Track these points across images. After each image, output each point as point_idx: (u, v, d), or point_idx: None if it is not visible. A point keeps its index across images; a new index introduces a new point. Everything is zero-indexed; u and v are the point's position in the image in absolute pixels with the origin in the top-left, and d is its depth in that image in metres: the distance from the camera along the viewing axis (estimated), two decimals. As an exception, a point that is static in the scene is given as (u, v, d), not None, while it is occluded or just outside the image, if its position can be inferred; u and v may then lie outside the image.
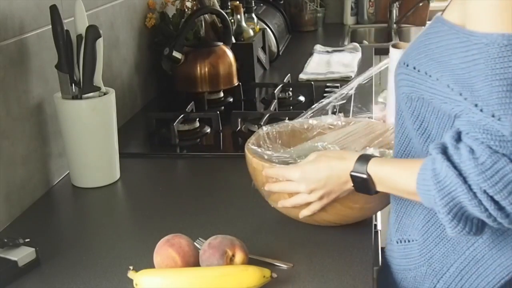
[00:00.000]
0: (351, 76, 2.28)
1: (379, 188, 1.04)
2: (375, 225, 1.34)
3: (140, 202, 1.41)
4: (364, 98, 1.93)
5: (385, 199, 1.14)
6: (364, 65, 2.42)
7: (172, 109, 1.86)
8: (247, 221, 1.26)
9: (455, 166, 0.88)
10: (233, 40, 2.24)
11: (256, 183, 1.22)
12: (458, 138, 0.90)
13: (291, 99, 2.07)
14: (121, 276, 1.06)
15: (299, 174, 1.11)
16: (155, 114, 1.89)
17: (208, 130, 1.80)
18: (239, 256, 1.03)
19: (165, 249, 1.04)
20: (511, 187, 0.84)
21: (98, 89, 1.42)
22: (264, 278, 1.00)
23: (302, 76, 2.34)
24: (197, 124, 1.81)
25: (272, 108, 1.87)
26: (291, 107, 2.01)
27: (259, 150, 1.25)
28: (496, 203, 0.86)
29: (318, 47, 2.75)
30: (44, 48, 1.42)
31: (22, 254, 1.10)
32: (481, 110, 0.87)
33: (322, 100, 1.40)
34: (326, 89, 2.10)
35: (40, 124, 1.42)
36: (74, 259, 1.14)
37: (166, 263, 1.03)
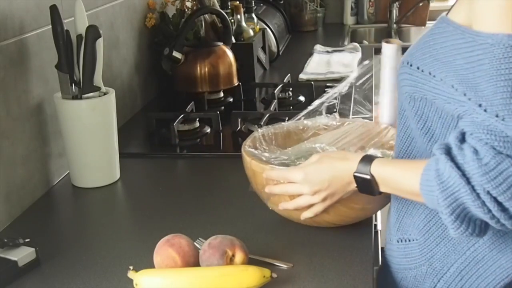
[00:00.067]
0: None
1: (382, 188, 1.04)
2: (375, 225, 1.34)
3: (140, 202, 1.41)
4: (364, 98, 1.93)
5: (385, 199, 1.14)
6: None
7: (172, 109, 1.86)
8: (247, 221, 1.26)
9: (458, 167, 0.87)
10: (233, 40, 2.24)
11: (254, 186, 1.21)
12: (462, 138, 0.90)
13: (291, 99, 2.07)
14: (121, 276, 1.06)
15: (302, 176, 1.11)
16: (155, 114, 1.89)
17: (208, 130, 1.80)
18: (239, 256, 1.03)
19: (165, 249, 1.04)
20: None
21: (98, 89, 1.42)
22: (264, 278, 1.00)
23: (302, 76, 2.34)
24: (197, 124, 1.81)
25: (272, 108, 1.87)
26: (291, 107, 2.01)
27: (256, 152, 1.24)
28: (499, 204, 0.86)
29: (318, 47, 2.75)
30: (44, 48, 1.42)
31: (22, 254, 1.10)
32: (485, 111, 0.87)
33: (313, 103, 1.39)
34: (326, 89, 2.10)
35: (40, 124, 1.42)
36: (74, 259, 1.14)
37: (166, 263, 1.03)
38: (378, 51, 2.75)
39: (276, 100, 1.93)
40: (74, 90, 1.40)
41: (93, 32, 1.37)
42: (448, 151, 0.89)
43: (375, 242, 1.24)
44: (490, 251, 1.02)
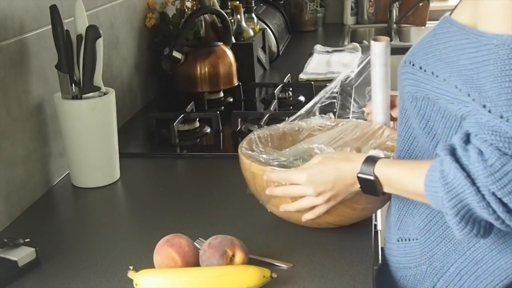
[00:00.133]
0: (352, 76, 2.28)
1: (386, 189, 1.03)
2: (375, 225, 1.34)
3: (140, 202, 1.41)
4: (364, 98, 1.93)
5: (385, 198, 1.14)
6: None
7: (172, 109, 1.86)
8: (247, 221, 1.25)
9: (463, 168, 0.87)
10: (233, 40, 2.24)
11: (253, 188, 1.21)
12: (466, 139, 0.89)
13: (291, 99, 2.07)
14: (121, 276, 1.06)
15: (306, 177, 1.10)
16: (155, 114, 1.89)
17: (208, 130, 1.80)
18: (239, 256, 1.03)
19: (165, 249, 1.04)
20: None
21: (98, 89, 1.42)
22: (264, 278, 1.00)
23: (302, 76, 2.34)
24: (197, 124, 1.81)
25: (272, 108, 1.87)
26: (291, 107, 2.01)
27: (253, 154, 1.24)
28: (504, 205, 0.86)
29: (318, 47, 2.75)
30: (44, 48, 1.42)
31: (22, 254, 1.10)
32: (489, 111, 0.87)
33: (306, 104, 1.38)
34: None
35: (40, 124, 1.42)
36: (74, 259, 1.14)
37: (166, 263, 1.03)
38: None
39: (276, 100, 1.93)
40: (74, 90, 1.40)
41: (93, 32, 1.37)
42: (453, 152, 0.89)
43: (375, 242, 1.24)
44: (489, 252, 1.02)
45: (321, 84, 2.17)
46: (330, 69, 2.39)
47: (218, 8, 2.24)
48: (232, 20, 2.34)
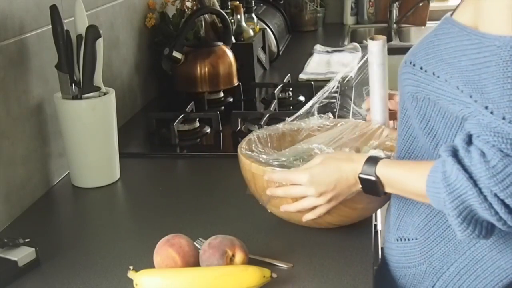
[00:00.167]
0: (351, 77, 2.28)
1: (387, 190, 1.04)
2: (375, 225, 1.34)
3: (140, 202, 1.41)
4: (362, 97, 1.93)
5: (385, 198, 1.14)
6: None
7: (172, 109, 1.86)
8: (247, 221, 1.25)
9: (465, 169, 0.88)
10: (233, 40, 2.24)
11: (253, 189, 1.21)
12: (469, 140, 0.90)
13: (291, 99, 2.07)
14: (121, 276, 1.06)
15: (308, 178, 1.09)
16: (155, 114, 1.89)
17: (208, 130, 1.80)
18: (239, 256, 1.03)
19: (165, 249, 1.04)
20: None
21: (98, 89, 1.42)
22: (264, 278, 1.00)
23: (302, 76, 2.34)
24: (197, 124, 1.81)
25: (272, 108, 1.87)
26: (291, 107, 2.01)
27: (252, 154, 1.24)
28: (506, 206, 0.86)
29: (318, 47, 2.75)
30: (44, 48, 1.42)
31: (22, 254, 1.10)
32: (491, 113, 0.87)
33: (305, 105, 1.38)
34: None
35: (40, 124, 1.42)
36: (74, 259, 1.14)
37: (166, 263, 1.03)
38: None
39: (276, 100, 1.93)
40: (74, 90, 1.40)
41: (93, 32, 1.37)
42: (455, 153, 0.89)
43: (375, 242, 1.24)
44: (489, 252, 1.02)
45: (321, 84, 2.16)
46: (330, 69, 2.40)
47: (218, 8, 2.24)
48: (232, 20, 2.34)
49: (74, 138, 1.41)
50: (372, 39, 1.24)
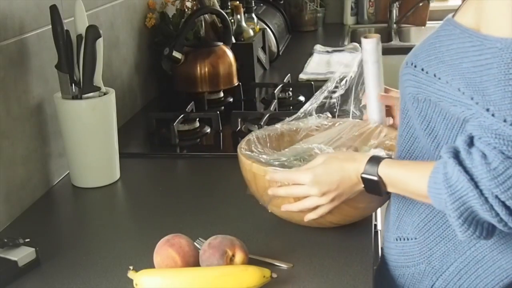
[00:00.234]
0: (351, 76, 2.28)
1: (390, 189, 1.04)
2: (375, 225, 1.34)
3: (140, 202, 1.41)
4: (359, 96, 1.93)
5: (387, 197, 1.14)
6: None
7: (172, 109, 1.86)
8: (247, 221, 1.25)
9: (467, 171, 0.88)
10: (233, 40, 2.24)
11: (254, 189, 1.20)
12: (470, 142, 0.90)
13: (291, 99, 2.07)
14: (121, 276, 1.06)
15: (311, 178, 1.09)
16: (155, 114, 1.89)
17: (208, 130, 1.80)
18: (239, 256, 1.03)
19: (165, 249, 1.04)
20: None
21: (98, 89, 1.42)
22: (264, 278, 1.00)
23: (302, 76, 2.34)
24: (197, 124, 1.81)
25: (272, 108, 1.87)
26: (291, 107, 2.01)
27: (252, 154, 1.24)
28: (507, 208, 0.86)
29: (318, 47, 2.75)
30: (44, 48, 1.42)
31: (22, 254, 1.10)
32: (492, 115, 0.87)
33: (304, 106, 1.38)
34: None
35: (40, 124, 1.42)
36: (74, 259, 1.14)
37: (166, 263, 1.03)
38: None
39: (276, 100, 1.93)
40: (74, 90, 1.40)
41: (93, 32, 1.37)
42: (456, 155, 0.90)
43: (375, 242, 1.24)
44: (490, 252, 1.02)
45: (321, 84, 2.16)
46: (330, 69, 2.40)
47: (218, 8, 2.24)
48: (232, 20, 2.34)
49: (74, 138, 1.41)
50: (366, 37, 1.24)
